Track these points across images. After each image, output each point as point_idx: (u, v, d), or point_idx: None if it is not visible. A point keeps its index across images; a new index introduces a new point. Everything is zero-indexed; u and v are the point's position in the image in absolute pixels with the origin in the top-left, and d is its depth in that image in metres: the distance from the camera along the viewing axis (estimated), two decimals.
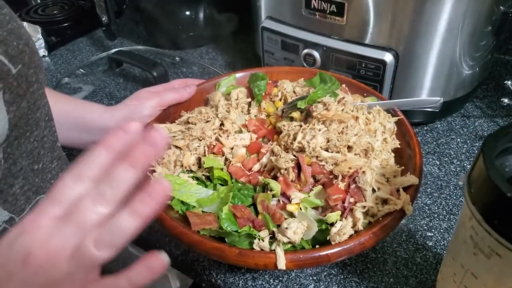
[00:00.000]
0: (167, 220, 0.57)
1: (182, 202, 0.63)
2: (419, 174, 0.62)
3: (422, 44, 0.79)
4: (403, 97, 0.87)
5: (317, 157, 0.63)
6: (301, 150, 0.65)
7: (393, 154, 0.68)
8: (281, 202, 0.63)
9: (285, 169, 0.63)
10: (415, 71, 0.83)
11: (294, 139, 0.66)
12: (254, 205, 0.63)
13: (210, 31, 1.21)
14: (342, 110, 0.67)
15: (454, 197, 0.78)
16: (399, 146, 0.69)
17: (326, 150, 0.63)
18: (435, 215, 0.75)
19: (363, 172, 0.60)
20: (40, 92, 0.56)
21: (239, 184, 0.66)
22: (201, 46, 1.24)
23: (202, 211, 0.63)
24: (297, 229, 0.56)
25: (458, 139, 0.91)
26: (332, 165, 0.62)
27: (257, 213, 0.62)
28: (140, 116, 0.74)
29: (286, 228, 0.56)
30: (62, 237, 0.36)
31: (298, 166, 0.64)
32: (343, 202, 0.59)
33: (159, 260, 0.39)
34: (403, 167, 0.65)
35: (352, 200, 0.59)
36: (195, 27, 1.20)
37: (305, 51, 0.87)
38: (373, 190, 0.60)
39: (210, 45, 1.25)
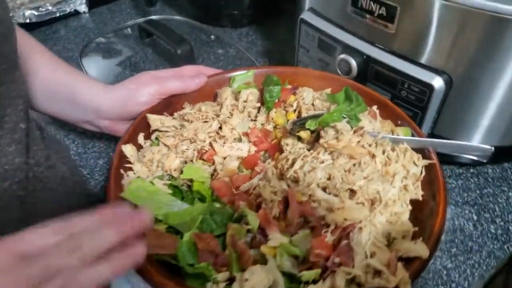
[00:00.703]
0: None
1: None
2: (433, 244, 0.49)
3: (489, 71, 0.63)
4: (448, 133, 0.72)
5: (310, 195, 0.51)
6: (296, 181, 0.54)
7: (409, 207, 0.55)
8: (257, 239, 0.53)
9: (270, 201, 0.53)
10: (471, 104, 0.68)
11: (292, 165, 0.55)
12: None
13: (255, 11, 1.10)
14: (358, 142, 0.55)
15: (484, 267, 0.64)
16: (420, 198, 0.56)
17: (324, 189, 0.52)
18: (454, 285, 0.61)
19: (360, 228, 0.48)
20: (5, 67, 0.49)
21: (217, 205, 0.56)
22: (243, 27, 1.13)
23: (168, 228, 0.54)
24: (258, 285, 0.45)
25: (511, 193, 0.74)
26: (325, 210, 0.51)
27: (225, 247, 0.52)
28: (136, 102, 0.66)
29: (247, 279, 0.46)
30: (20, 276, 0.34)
31: (287, 200, 0.53)
32: (326, 259, 0.48)
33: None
34: (416, 228, 0.52)
35: (337, 260, 0.48)
36: (239, 4, 1.09)
37: (342, 56, 0.73)
38: (367, 255, 0.48)
39: (252, 27, 1.13)
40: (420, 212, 0.55)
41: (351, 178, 0.52)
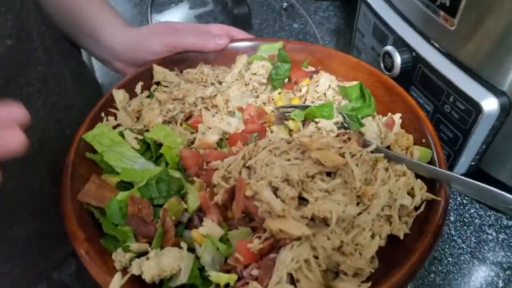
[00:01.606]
0: None
1: (106, 164, 0.52)
2: None
3: None
4: (498, 173, 0.57)
5: (256, 192, 0.44)
6: (254, 172, 0.46)
7: (383, 242, 0.44)
8: (194, 222, 0.47)
9: (216, 185, 0.46)
10: None
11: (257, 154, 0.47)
12: None
13: None
14: (340, 148, 0.45)
15: None
16: (401, 237, 0.44)
17: (275, 190, 0.44)
18: None
19: (292, 246, 0.40)
20: None
21: (176, 175, 0.52)
22: (325, 0, 1.03)
23: (119, 183, 0.51)
24: (163, 267, 0.40)
25: None
26: (266, 212, 0.43)
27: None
28: (147, 50, 0.63)
29: (148, 258, 0.41)
30: None
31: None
32: (245, 267, 0.41)
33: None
34: (373, 269, 0.41)
35: (254, 273, 0.40)
36: None
37: (387, 48, 0.61)
38: (284, 280, 0.39)
39: (336, 3, 1.02)
40: (393, 251, 0.44)
41: (310, 185, 0.43)
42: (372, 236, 0.44)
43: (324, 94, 0.56)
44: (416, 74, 0.60)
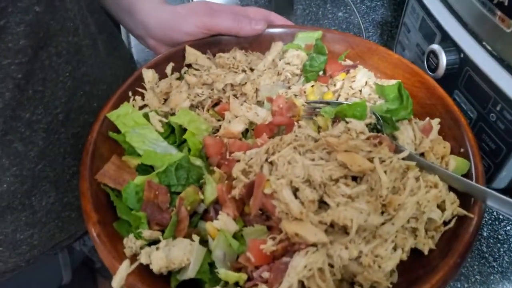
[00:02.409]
0: None
1: (129, 145, 0.52)
2: None
3: None
4: None
5: (274, 191, 0.42)
6: (275, 168, 0.44)
7: (405, 256, 0.41)
8: (210, 213, 0.46)
9: (235, 179, 0.45)
10: None
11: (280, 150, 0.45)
12: None
13: None
14: (369, 152, 0.42)
15: None
16: (425, 253, 0.42)
17: (295, 192, 0.42)
18: None
19: (306, 252, 0.38)
20: None
21: (197, 162, 0.50)
22: None
23: (139, 165, 0.51)
24: (162, 259, 0.40)
25: None
26: (283, 213, 0.41)
27: None
28: (179, 30, 0.61)
29: (158, 248, 0.41)
30: None
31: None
32: (256, 268, 0.40)
33: None
34: (391, 283, 0.39)
35: (265, 275, 0.39)
36: None
37: (433, 46, 0.57)
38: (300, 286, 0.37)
39: None
40: (415, 267, 0.41)
41: (332, 189, 0.40)
42: (394, 249, 0.41)
43: (360, 91, 0.53)
44: (462, 77, 0.55)
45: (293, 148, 0.44)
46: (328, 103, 0.48)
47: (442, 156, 0.48)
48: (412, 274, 0.41)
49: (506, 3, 0.48)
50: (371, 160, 0.42)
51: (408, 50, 0.68)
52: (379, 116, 0.46)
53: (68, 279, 0.79)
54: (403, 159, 0.44)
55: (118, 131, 0.52)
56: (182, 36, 0.62)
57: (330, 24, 0.89)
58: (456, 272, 0.40)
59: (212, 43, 0.63)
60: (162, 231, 0.44)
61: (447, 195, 0.44)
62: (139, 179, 0.47)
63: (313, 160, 0.43)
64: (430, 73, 0.58)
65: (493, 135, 0.52)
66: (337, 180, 0.41)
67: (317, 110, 0.50)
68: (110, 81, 0.67)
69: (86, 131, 0.59)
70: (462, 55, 0.54)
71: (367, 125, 0.45)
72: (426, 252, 0.42)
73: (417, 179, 0.43)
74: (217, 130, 0.55)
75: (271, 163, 0.45)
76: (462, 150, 0.49)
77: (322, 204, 0.41)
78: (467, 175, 0.47)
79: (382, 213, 0.42)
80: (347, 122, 0.45)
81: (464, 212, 0.42)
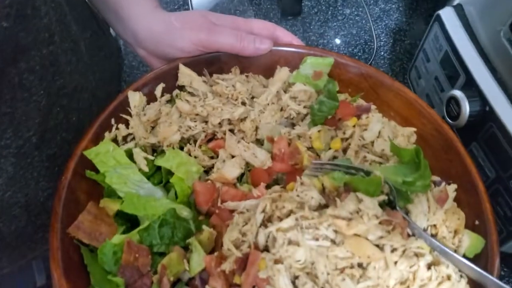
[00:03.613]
0: None
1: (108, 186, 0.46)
2: None
3: None
4: None
5: (270, 275, 0.37)
6: (272, 243, 0.39)
7: None
8: (195, 282, 0.41)
9: (227, 250, 0.40)
10: None
11: (280, 220, 0.40)
12: None
13: None
14: (381, 238, 0.37)
15: None
16: None
17: (295, 279, 0.37)
18: None
19: None
20: None
21: (185, 213, 0.45)
22: None
23: (119, 211, 0.45)
24: None
25: None
26: None
27: None
28: (172, 45, 0.54)
29: None
30: None
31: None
32: None
33: None
34: None
35: None
36: None
37: (455, 92, 0.51)
38: None
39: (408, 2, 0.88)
40: None
41: (336, 280, 0.36)
42: None
43: (372, 143, 0.47)
44: (484, 132, 0.50)
45: (295, 220, 0.39)
46: (337, 165, 0.43)
47: (455, 229, 0.43)
48: None
49: None
50: (381, 247, 0.37)
51: (424, 80, 0.62)
52: (393, 187, 0.41)
53: (42, 283, 0.75)
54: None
55: (96, 170, 0.46)
56: (176, 52, 0.54)
57: (339, 28, 0.81)
58: None
59: (210, 61, 0.55)
60: None
61: (459, 281, 0.40)
62: (118, 238, 0.42)
63: (317, 239, 0.38)
64: (450, 121, 0.52)
65: (510, 201, 0.48)
66: (342, 270, 0.37)
67: (324, 169, 0.44)
68: (93, 86, 0.60)
69: (64, 151, 0.53)
70: (487, 108, 0.49)
71: (379, 203, 0.40)
72: None
73: (428, 266, 0.39)
74: (210, 168, 0.50)
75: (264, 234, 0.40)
76: (477, 222, 0.44)
77: None
78: (480, 254, 0.43)
79: None
80: (358, 199, 0.39)
81: None
